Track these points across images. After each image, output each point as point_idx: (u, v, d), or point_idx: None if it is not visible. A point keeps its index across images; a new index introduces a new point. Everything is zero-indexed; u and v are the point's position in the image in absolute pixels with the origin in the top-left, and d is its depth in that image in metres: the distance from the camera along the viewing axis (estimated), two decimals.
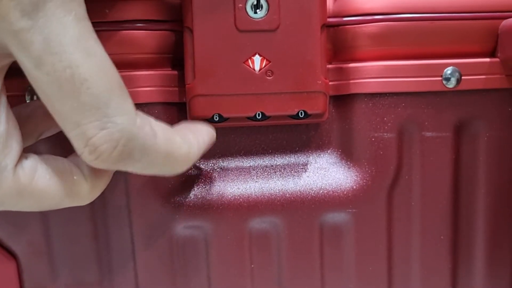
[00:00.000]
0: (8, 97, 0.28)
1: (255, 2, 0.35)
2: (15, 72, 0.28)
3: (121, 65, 0.36)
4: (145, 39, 0.36)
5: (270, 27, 0.35)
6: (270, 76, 0.35)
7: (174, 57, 0.37)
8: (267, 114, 0.36)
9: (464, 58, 0.39)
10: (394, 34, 0.38)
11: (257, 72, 0.35)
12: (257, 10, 0.35)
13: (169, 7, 0.37)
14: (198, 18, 0.35)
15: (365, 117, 0.39)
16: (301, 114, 0.36)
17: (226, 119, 0.36)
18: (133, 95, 0.36)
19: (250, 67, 0.35)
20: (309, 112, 0.36)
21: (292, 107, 0.36)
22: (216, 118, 0.36)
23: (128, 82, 0.36)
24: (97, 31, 0.36)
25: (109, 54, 0.36)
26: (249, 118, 0.36)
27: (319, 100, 0.36)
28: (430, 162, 0.40)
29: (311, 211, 0.39)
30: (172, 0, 0.37)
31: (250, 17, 0.35)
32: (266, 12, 0.35)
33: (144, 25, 0.36)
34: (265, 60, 0.35)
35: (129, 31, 0.36)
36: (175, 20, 0.37)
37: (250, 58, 0.35)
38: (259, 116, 0.36)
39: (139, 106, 0.37)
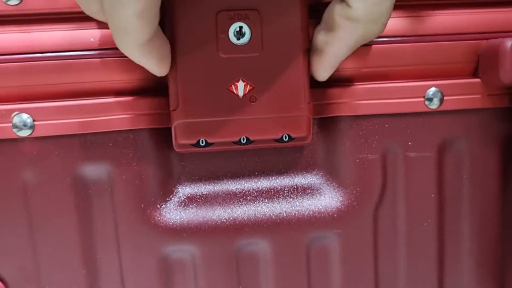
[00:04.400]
0: None
1: (237, 29, 0.35)
2: None
3: (108, 92, 0.37)
4: (130, 66, 0.37)
5: (253, 52, 0.35)
6: (253, 102, 0.36)
7: (159, 83, 0.38)
8: (252, 138, 0.36)
9: (446, 78, 0.39)
10: (377, 56, 0.38)
11: (241, 97, 0.35)
12: (240, 37, 0.35)
13: None
14: (181, 44, 0.35)
15: (349, 138, 0.40)
16: (285, 138, 0.37)
17: (211, 144, 0.36)
18: (120, 121, 0.37)
19: (234, 92, 0.35)
20: (292, 135, 0.36)
21: (276, 131, 0.36)
22: (202, 143, 0.36)
23: (115, 109, 0.37)
24: (82, 59, 0.37)
25: (96, 82, 0.37)
26: (234, 142, 0.37)
27: (303, 124, 0.36)
28: (414, 182, 0.41)
29: (298, 233, 0.40)
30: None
31: (233, 43, 0.35)
32: (249, 39, 0.35)
33: None
34: (248, 85, 0.35)
35: (115, 58, 0.36)
36: None
37: (234, 83, 0.35)
38: (243, 140, 0.36)
39: (126, 132, 0.37)
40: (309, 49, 0.37)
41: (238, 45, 0.35)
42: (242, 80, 0.35)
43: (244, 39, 0.35)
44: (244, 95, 0.36)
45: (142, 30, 0.30)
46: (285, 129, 0.36)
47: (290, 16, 0.35)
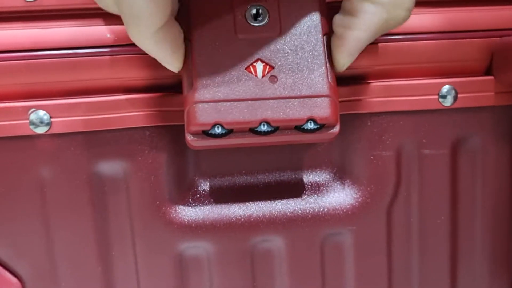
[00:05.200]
0: None
1: (254, 12, 0.35)
2: None
3: (124, 89, 0.37)
4: (147, 62, 0.37)
5: (271, 34, 0.34)
6: (274, 82, 0.34)
7: (175, 80, 0.38)
8: (272, 123, 0.33)
9: (460, 76, 0.40)
10: (391, 53, 0.39)
11: (260, 78, 0.34)
12: (258, 18, 0.35)
13: None
14: (197, 28, 0.34)
15: (364, 135, 0.40)
16: (310, 124, 0.34)
17: (227, 132, 0.34)
18: (136, 118, 0.37)
19: (252, 73, 0.34)
20: (318, 120, 0.34)
21: (299, 113, 0.33)
22: (218, 129, 0.33)
23: (131, 106, 0.37)
24: (99, 56, 0.37)
25: (112, 79, 0.37)
26: (253, 130, 0.34)
27: (329, 106, 0.34)
28: (428, 179, 0.41)
29: (312, 230, 0.40)
30: None
31: (250, 24, 0.34)
32: (266, 20, 0.34)
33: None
34: (268, 66, 0.34)
35: (132, 55, 0.36)
36: None
37: (252, 64, 0.34)
38: (264, 126, 0.34)
39: (142, 129, 0.37)
40: (329, 34, 0.35)
41: (255, 26, 0.34)
42: (261, 61, 0.34)
43: (262, 20, 0.35)
44: (263, 76, 0.34)
45: (155, 16, 0.29)
46: (309, 112, 0.33)
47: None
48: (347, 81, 0.39)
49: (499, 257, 0.43)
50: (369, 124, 0.40)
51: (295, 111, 0.34)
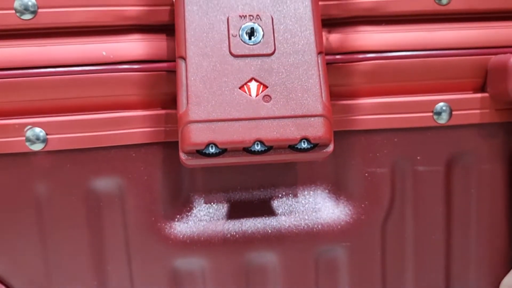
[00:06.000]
0: None
1: (249, 30, 0.35)
2: None
3: (120, 106, 0.37)
4: (142, 80, 0.37)
5: (265, 52, 0.35)
6: (267, 102, 0.34)
7: (170, 97, 0.38)
8: (266, 142, 0.34)
9: (454, 93, 0.40)
10: (386, 70, 0.39)
11: (253, 97, 0.34)
12: (252, 37, 0.35)
13: (162, 47, 0.38)
14: (192, 46, 0.34)
15: (359, 152, 0.40)
16: (304, 143, 0.34)
17: (221, 152, 0.34)
18: (131, 136, 0.37)
19: (246, 92, 0.34)
20: (312, 140, 0.34)
21: (293, 133, 0.34)
22: (212, 149, 0.34)
23: (127, 123, 0.37)
24: (94, 73, 0.37)
25: (107, 96, 0.37)
26: (247, 150, 0.34)
27: (323, 126, 0.34)
28: (422, 196, 0.41)
29: (306, 245, 0.40)
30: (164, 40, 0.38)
31: (245, 42, 0.35)
32: (260, 38, 0.35)
33: (139, 66, 0.37)
34: (261, 86, 0.34)
35: (127, 73, 0.37)
36: (168, 60, 0.37)
37: (246, 84, 0.34)
38: (257, 146, 0.34)
39: (138, 146, 0.38)
40: (323, 53, 0.36)
41: (250, 45, 0.35)
42: (255, 80, 0.34)
43: (256, 39, 0.35)
44: (257, 95, 0.34)
45: None
46: (302, 131, 0.34)
47: (303, 18, 0.35)
48: (341, 98, 0.39)
49: (493, 273, 0.43)
50: (363, 141, 0.40)
51: (288, 131, 0.34)
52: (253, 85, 0.34)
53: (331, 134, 0.34)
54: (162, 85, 0.38)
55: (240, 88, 0.34)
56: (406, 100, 0.39)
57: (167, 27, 0.38)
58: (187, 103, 0.34)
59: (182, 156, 0.34)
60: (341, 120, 0.39)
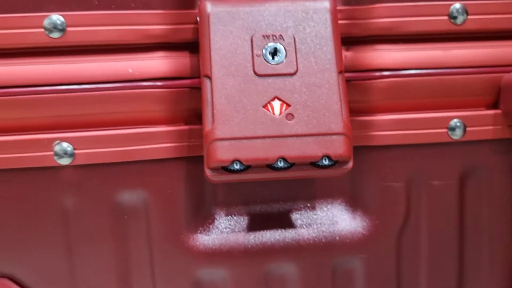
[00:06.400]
0: None
1: (272, 50, 0.36)
2: None
3: (145, 122, 0.39)
4: (166, 97, 0.38)
5: (288, 71, 0.36)
6: (290, 120, 0.35)
7: (194, 113, 0.39)
8: (289, 159, 0.35)
9: (468, 110, 0.41)
10: (403, 88, 0.40)
11: (277, 116, 0.35)
12: (275, 56, 0.36)
13: (186, 64, 0.39)
14: (217, 66, 0.36)
15: (375, 167, 0.41)
16: (325, 160, 0.35)
17: (246, 168, 0.35)
18: (156, 151, 0.38)
19: (270, 111, 0.35)
20: (333, 157, 0.35)
21: (315, 151, 0.35)
22: (237, 165, 0.35)
23: (152, 138, 0.38)
24: (121, 90, 0.38)
25: (133, 112, 0.38)
26: (270, 166, 0.36)
27: (343, 143, 0.35)
28: (437, 209, 0.42)
29: (324, 257, 0.41)
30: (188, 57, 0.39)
31: (268, 62, 0.36)
32: (283, 58, 0.36)
33: (163, 83, 0.38)
34: (284, 104, 0.36)
35: (152, 89, 0.38)
36: (191, 77, 0.39)
37: (269, 102, 0.35)
38: (280, 162, 0.35)
39: (162, 161, 0.39)
40: (343, 72, 0.37)
41: (273, 65, 0.36)
42: (278, 98, 0.36)
43: (279, 59, 0.36)
44: (280, 114, 0.35)
45: None
46: (324, 149, 0.35)
47: (324, 38, 0.37)
48: (358, 114, 0.40)
49: (506, 284, 0.44)
50: (379, 156, 0.41)
51: (311, 148, 0.35)
52: (277, 103, 0.36)
53: (351, 151, 0.36)
54: (185, 101, 0.39)
55: (263, 106, 0.35)
56: (421, 117, 0.40)
57: (190, 45, 0.39)
58: (213, 121, 0.35)
59: (208, 172, 0.35)
60: (358, 136, 0.40)
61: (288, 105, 0.36)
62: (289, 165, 0.36)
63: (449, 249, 0.43)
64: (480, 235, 0.43)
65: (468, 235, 0.43)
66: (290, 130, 0.35)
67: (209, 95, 0.36)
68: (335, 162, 0.36)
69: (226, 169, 0.35)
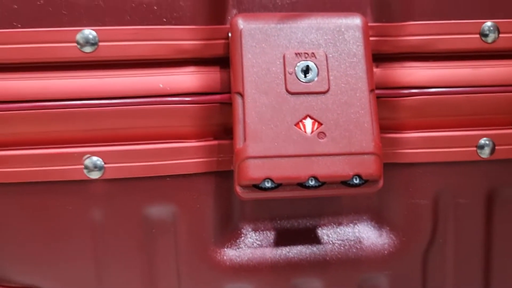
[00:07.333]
0: None
1: (304, 68, 0.36)
2: None
3: (174, 136, 0.39)
4: (196, 112, 0.38)
5: (320, 89, 0.36)
6: (322, 139, 0.35)
7: (222, 128, 0.39)
8: (320, 178, 0.35)
9: (497, 128, 0.41)
10: (432, 106, 0.40)
11: (309, 134, 0.35)
12: (307, 74, 0.36)
13: (216, 79, 0.39)
14: (249, 83, 0.36)
15: (402, 184, 0.41)
16: (356, 179, 0.35)
17: (277, 186, 0.35)
18: (185, 166, 0.38)
19: (301, 130, 0.35)
20: (363, 176, 0.35)
21: (346, 170, 0.35)
22: (268, 183, 0.35)
23: (181, 154, 0.38)
24: (151, 105, 0.38)
25: (163, 127, 0.38)
26: (301, 185, 0.36)
27: (374, 163, 0.35)
28: (463, 227, 0.42)
29: (350, 273, 0.41)
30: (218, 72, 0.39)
31: (300, 80, 0.36)
32: (316, 76, 0.36)
33: (193, 98, 0.38)
34: (316, 123, 0.36)
35: (182, 105, 0.38)
36: (221, 92, 0.39)
37: (301, 121, 0.35)
38: (311, 181, 0.35)
39: (191, 176, 0.39)
40: (374, 90, 0.37)
41: (305, 83, 0.36)
42: (310, 117, 0.36)
43: (311, 77, 0.36)
44: (312, 132, 0.35)
45: None
46: (355, 168, 0.35)
47: (355, 56, 0.37)
48: (387, 131, 0.40)
49: None
50: (407, 173, 0.41)
51: (342, 168, 0.35)
52: (308, 122, 0.36)
53: (381, 171, 0.36)
54: (215, 116, 0.39)
55: (295, 125, 0.35)
56: (450, 135, 0.40)
57: (220, 60, 0.39)
58: (245, 139, 0.35)
59: (238, 189, 0.35)
60: (386, 152, 0.40)
61: (320, 124, 0.36)
62: (320, 183, 0.36)
63: (475, 268, 0.43)
64: (506, 254, 0.43)
65: (494, 254, 0.43)
66: (322, 149, 0.35)
67: (240, 113, 0.36)
68: (366, 181, 0.36)
69: (257, 187, 0.35)
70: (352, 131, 0.36)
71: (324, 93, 0.36)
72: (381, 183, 0.36)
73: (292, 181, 0.35)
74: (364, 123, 0.36)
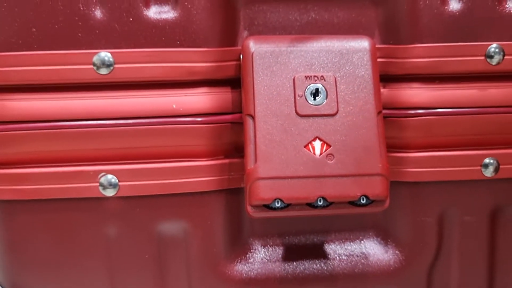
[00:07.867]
0: None
1: (314, 91, 0.37)
2: None
3: (187, 155, 0.40)
4: (208, 132, 0.39)
5: (329, 112, 0.37)
6: (331, 160, 0.36)
7: (233, 147, 0.40)
8: (329, 199, 0.36)
9: (502, 147, 0.42)
10: (438, 126, 0.41)
11: (318, 156, 0.37)
12: (316, 97, 0.37)
13: (227, 100, 0.40)
14: (260, 106, 0.37)
15: (408, 202, 0.42)
16: (363, 200, 0.37)
17: (286, 206, 0.37)
18: (197, 184, 0.39)
19: (310, 151, 0.37)
20: (370, 197, 0.36)
21: (354, 191, 0.36)
22: (278, 204, 0.36)
23: (193, 172, 0.39)
24: (164, 125, 0.39)
25: (176, 146, 0.39)
26: (310, 204, 0.37)
27: (381, 184, 0.37)
28: (468, 244, 0.43)
29: None
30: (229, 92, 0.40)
31: (310, 103, 0.37)
32: (325, 99, 0.37)
33: (205, 118, 0.39)
34: (325, 145, 0.37)
35: (194, 125, 0.39)
36: (232, 112, 0.40)
37: (310, 143, 0.37)
38: (320, 201, 0.36)
39: (202, 193, 0.40)
40: (381, 112, 0.38)
41: (314, 105, 0.37)
42: (319, 139, 0.37)
43: (320, 99, 0.37)
44: (321, 154, 0.36)
45: None
46: (362, 189, 0.36)
47: (363, 79, 0.38)
48: (393, 150, 0.41)
49: None
50: (412, 191, 0.42)
51: (349, 188, 0.36)
52: (317, 144, 0.37)
53: (388, 191, 0.37)
54: (226, 135, 0.40)
55: (305, 146, 0.37)
56: (455, 154, 0.41)
57: (232, 81, 0.40)
58: (256, 160, 0.36)
59: (249, 209, 0.37)
60: (392, 171, 0.41)
61: (329, 146, 0.37)
62: (328, 203, 0.37)
63: (479, 284, 0.44)
64: (510, 271, 0.44)
65: (498, 271, 0.44)
66: (331, 170, 0.36)
67: (251, 134, 0.37)
68: (372, 201, 0.37)
69: (267, 207, 0.37)
70: (360, 152, 0.37)
71: (332, 115, 0.37)
72: (387, 202, 0.37)
73: (301, 201, 0.36)
74: (372, 144, 0.37)
